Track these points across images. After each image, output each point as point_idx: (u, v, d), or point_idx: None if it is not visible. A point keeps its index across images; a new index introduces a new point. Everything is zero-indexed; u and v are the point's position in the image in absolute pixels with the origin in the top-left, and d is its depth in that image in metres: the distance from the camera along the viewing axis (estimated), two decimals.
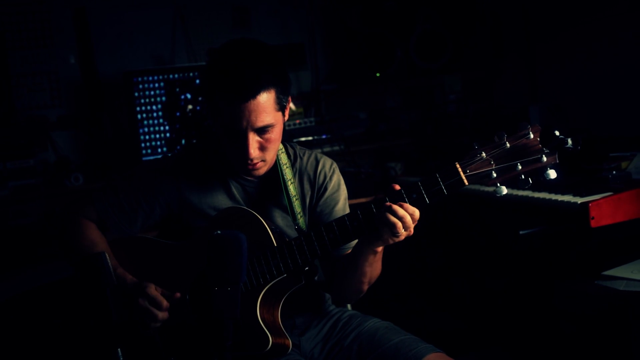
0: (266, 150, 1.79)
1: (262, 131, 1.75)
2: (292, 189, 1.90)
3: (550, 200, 2.56)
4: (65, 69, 3.77)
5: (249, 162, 1.78)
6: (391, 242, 1.67)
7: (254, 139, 1.75)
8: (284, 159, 1.93)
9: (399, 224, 1.61)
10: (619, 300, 2.23)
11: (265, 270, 1.75)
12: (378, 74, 4.07)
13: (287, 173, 1.91)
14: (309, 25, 4.24)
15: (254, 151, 1.76)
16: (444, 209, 3.59)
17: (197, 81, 3.67)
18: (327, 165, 1.98)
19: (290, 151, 1.98)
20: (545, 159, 1.59)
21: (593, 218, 2.37)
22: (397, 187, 1.67)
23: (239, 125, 1.72)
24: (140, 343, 1.78)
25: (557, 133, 1.57)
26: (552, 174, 1.60)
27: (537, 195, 2.66)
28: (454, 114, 4.06)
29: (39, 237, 3.39)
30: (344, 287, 1.90)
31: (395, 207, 1.61)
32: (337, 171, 2.00)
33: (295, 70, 4.21)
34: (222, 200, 1.89)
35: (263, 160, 1.81)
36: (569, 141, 1.56)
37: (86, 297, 1.84)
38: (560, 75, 3.66)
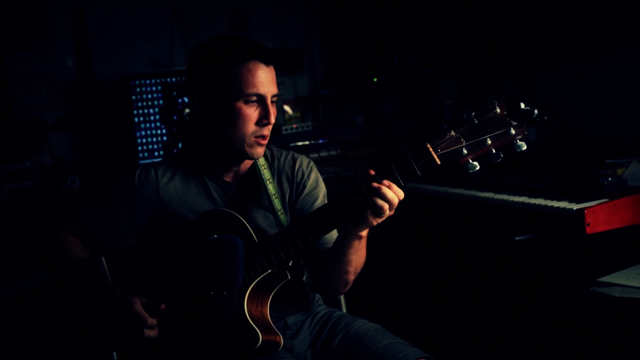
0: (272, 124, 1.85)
1: (272, 102, 1.82)
2: (271, 188, 1.92)
3: (546, 206, 2.56)
4: (63, 72, 3.77)
5: (264, 133, 1.82)
6: (375, 223, 1.69)
7: (271, 106, 1.81)
8: (261, 160, 1.94)
9: (386, 206, 1.64)
10: (614, 307, 2.23)
11: (249, 268, 1.75)
12: (375, 79, 4.08)
13: (265, 173, 1.93)
14: (306, 29, 4.25)
15: (273, 117, 1.82)
16: (439, 214, 3.60)
17: None
18: (305, 163, 2.00)
19: (267, 152, 2.00)
20: (513, 131, 1.62)
21: (589, 224, 2.37)
22: (372, 172, 1.69)
23: (262, 89, 1.79)
24: (134, 349, 1.78)
25: (522, 105, 1.60)
26: (523, 145, 1.62)
27: (532, 201, 2.66)
28: (451, 119, 4.06)
29: (35, 239, 3.39)
30: (330, 280, 1.90)
31: (385, 190, 1.63)
32: (315, 169, 2.03)
33: (293, 75, 4.22)
34: (202, 204, 1.90)
35: (268, 136, 1.86)
36: (535, 112, 1.60)
37: (82, 300, 1.84)
38: (556, 81, 3.67)
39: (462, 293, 3.57)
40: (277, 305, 1.86)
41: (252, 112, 1.80)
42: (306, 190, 1.97)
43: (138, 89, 3.61)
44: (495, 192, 2.93)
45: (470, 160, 1.65)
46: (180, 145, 3.65)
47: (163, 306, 1.76)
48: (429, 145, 1.65)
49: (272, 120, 1.82)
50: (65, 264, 1.85)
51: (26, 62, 3.71)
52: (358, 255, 1.82)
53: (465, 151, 1.65)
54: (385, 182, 1.65)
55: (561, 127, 3.46)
